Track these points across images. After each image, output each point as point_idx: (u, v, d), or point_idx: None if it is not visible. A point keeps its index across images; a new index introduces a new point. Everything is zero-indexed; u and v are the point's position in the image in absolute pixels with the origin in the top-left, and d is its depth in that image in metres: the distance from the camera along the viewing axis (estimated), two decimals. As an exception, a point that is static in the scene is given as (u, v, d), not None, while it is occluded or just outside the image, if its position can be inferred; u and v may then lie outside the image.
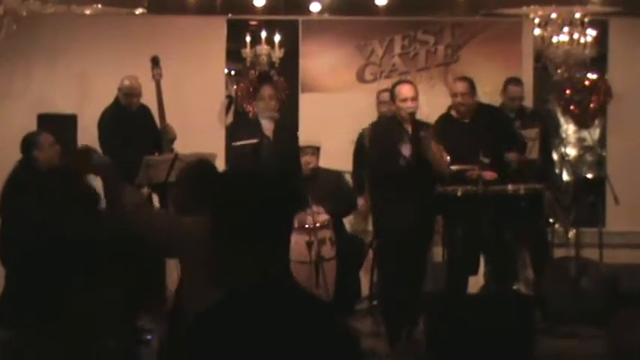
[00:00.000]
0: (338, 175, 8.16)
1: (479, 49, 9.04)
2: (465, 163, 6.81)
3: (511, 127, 7.55)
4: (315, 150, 7.92)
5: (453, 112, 7.33)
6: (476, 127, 7.17)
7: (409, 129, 6.69)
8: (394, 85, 7.02)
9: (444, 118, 7.34)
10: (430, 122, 7.10)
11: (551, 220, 8.10)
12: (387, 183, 6.70)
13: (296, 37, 9.07)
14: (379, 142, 6.90)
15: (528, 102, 8.59)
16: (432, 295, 6.81)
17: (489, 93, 8.27)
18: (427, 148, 6.54)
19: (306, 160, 7.76)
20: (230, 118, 8.99)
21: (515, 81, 8.17)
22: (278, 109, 7.36)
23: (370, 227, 7.86)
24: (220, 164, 7.18)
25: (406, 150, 6.48)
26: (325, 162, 8.07)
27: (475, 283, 7.32)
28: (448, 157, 6.70)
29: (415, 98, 6.74)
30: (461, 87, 7.29)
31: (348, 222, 8.35)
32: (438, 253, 7.44)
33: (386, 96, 8.01)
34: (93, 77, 8.68)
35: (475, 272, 7.15)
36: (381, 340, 6.75)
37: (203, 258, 2.32)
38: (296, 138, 7.52)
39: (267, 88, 7.37)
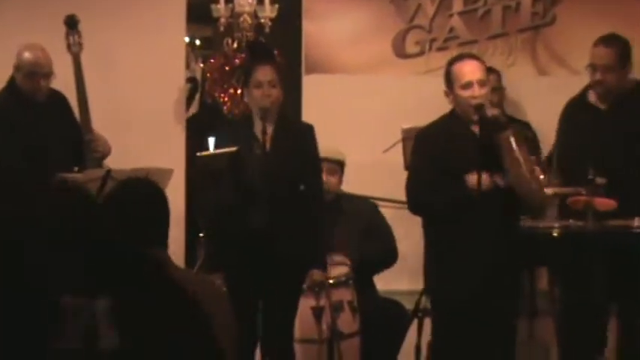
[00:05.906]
0: (370, 205, 7.39)
1: (583, 6, 8.36)
2: (569, 185, 6.25)
3: None
4: (336, 165, 7.12)
5: (591, 95, 6.66)
6: (616, 117, 6.56)
7: (476, 132, 5.89)
8: (450, 64, 6.12)
9: (575, 103, 6.77)
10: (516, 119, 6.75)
11: None
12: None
13: (297, -14, 8.19)
14: (425, 155, 6.17)
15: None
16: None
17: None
18: (510, 159, 5.77)
19: None
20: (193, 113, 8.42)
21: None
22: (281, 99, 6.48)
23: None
24: (179, 182, 7.06)
25: (473, 179, 5.85)
26: (345, 182, 7.25)
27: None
28: (542, 175, 6.07)
29: (484, 82, 5.87)
30: (604, 56, 6.46)
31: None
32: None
33: None
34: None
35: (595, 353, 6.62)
36: None
37: None
38: (308, 143, 6.54)
39: (266, 69, 6.44)
